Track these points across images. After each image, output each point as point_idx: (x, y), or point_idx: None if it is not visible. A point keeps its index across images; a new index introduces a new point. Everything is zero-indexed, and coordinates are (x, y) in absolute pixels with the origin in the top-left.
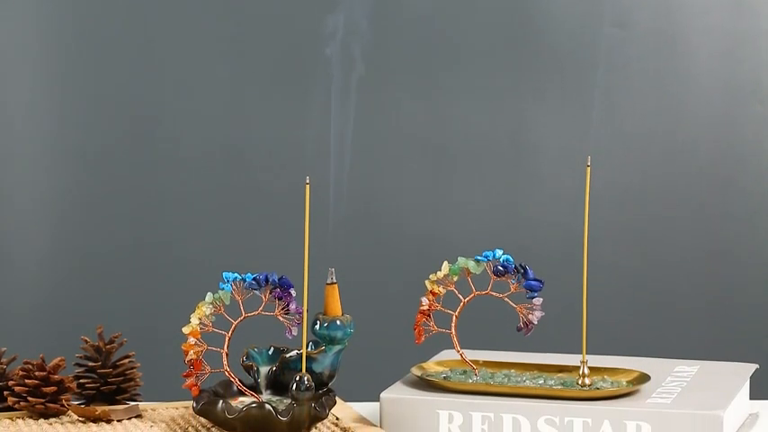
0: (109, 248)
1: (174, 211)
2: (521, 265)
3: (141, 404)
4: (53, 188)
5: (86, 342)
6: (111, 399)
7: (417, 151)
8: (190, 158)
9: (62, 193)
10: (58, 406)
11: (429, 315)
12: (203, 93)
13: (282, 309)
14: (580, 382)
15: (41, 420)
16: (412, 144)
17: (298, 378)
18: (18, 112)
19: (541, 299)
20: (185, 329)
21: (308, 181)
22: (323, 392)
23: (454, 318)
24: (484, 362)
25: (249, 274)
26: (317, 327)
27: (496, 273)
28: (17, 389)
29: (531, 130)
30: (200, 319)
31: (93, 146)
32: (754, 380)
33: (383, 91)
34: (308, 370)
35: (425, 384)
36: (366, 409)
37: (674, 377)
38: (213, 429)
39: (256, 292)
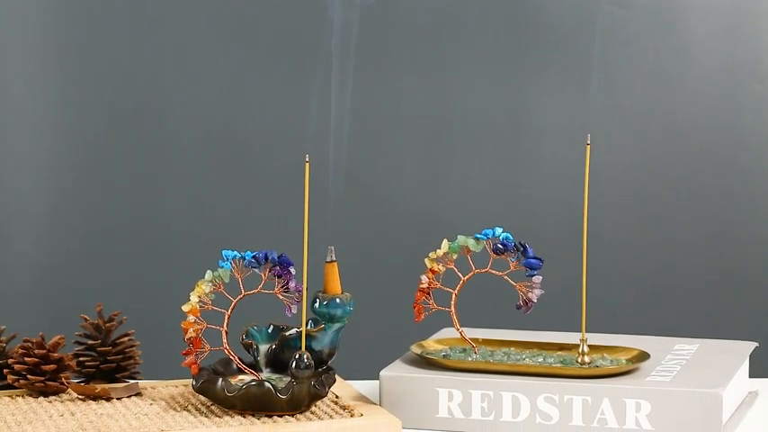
0: (109, 226)
1: (173, 190)
2: (520, 243)
3: (141, 382)
4: (52, 166)
5: (86, 320)
6: (111, 377)
7: (417, 129)
8: (189, 137)
9: (61, 172)
10: (57, 384)
11: (428, 293)
12: (202, 70)
13: (282, 287)
14: (580, 360)
15: (41, 398)
16: (412, 122)
17: (297, 356)
18: (17, 91)
19: (541, 277)
20: (185, 307)
21: (307, 159)
22: (322, 370)
23: (454, 296)
24: (483, 340)
25: (249, 252)
26: (317, 305)
27: (496, 251)
28: (17, 367)
29: (531, 108)
30: (199, 297)
31: (93, 124)
32: (754, 358)
33: (383, 70)
34: (308, 348)
35: (425, 362)
36: (366, 387)
37: (674, 355)
38: (213, 407)
39: (256, 270)
